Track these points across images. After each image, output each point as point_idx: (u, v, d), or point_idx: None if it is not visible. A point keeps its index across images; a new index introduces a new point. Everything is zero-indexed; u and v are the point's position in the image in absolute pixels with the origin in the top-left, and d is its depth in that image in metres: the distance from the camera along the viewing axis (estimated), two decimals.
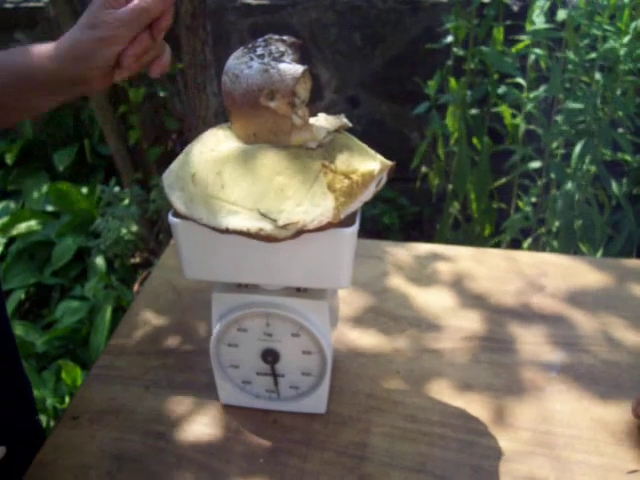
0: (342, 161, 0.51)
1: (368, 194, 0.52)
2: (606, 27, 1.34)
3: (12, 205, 2.28)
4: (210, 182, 0.50)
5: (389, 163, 0.54)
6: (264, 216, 0.48)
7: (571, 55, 1.43)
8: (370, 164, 0.53)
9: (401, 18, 2.16)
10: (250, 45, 0.52)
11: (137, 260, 2.02)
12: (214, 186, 0.50)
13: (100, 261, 1.93)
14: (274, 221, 0.48)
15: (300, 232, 0.49)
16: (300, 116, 0.50)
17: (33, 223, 2.12)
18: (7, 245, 2.12)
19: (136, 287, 1.87)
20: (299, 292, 0.60)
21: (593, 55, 1.40)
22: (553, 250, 1.63)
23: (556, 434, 0.65)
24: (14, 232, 2.10)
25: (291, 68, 0.50)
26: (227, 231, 0.49)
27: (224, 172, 0.50)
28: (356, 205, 0.52)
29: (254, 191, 0.49)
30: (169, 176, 0.54)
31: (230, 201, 0.49)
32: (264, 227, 0.48)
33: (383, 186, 0.55)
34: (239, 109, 0.51)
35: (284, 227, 0.48)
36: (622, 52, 1.32)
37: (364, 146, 0.56)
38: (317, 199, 0.49)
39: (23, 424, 0.74)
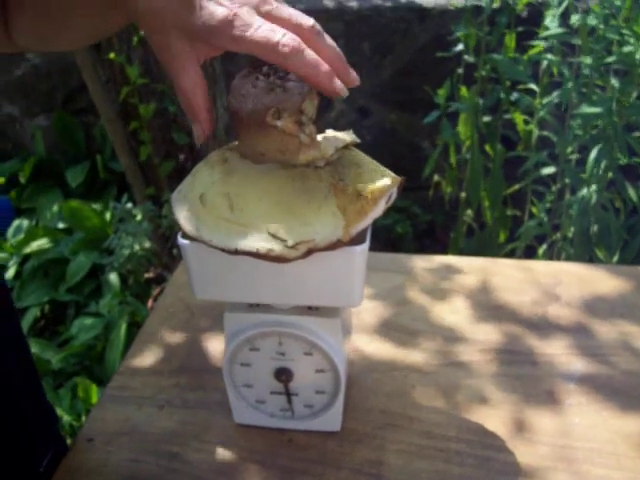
0: (351, 178, 0.51)
1: (378, 211, 0.52)
2: (623, 31, 1.33)
3: (26, 223, 2.30)
4: (218, 203, 0.50)
5: (399, 178, 0.54)
6: (273, 237, 0.48)
7: (586, 60, 1.42)
8: (380, 180, 0.52)
9: (410, 27, 2.16)
10: (255, 64, 0.52)
11: (151, 275, 2.02)
12: (222, 207, 0.50)
13: (114, 278, 1.94)
14: (284, 241, 0.48)
15: (310, 252, 0.48)
16: (308, 134, 0.50)
17: (47, 241, 2.13)
18: (22, 263, 2.13)
19: (150, 303, 1.87)
20: (311, 310, 0.59)
21: (609, 59, 1.39)
22: (569, 256, 1.61)
23: (576, 448, 0.64)
24: (28, 250, 2.12)
25: (297, 86, 0.49)
26: (237, 252, 0.49)
27: (232, 193, 0.50)
28: (366, 222, 0.51)
29: (263, 212, 0.49)
30: (177, 198, 0.53)
31: (239, 222, 0.49)
32: (274, 248, 0.48)
33: (394, 200, 0.54)
34: (246, 128, 0.51)
35: (294, 247, 0.48)
36: (638, 56, 1.31)
37: (373, 162, 0.55)
38: (327, 218, 0.48)
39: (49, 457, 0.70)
